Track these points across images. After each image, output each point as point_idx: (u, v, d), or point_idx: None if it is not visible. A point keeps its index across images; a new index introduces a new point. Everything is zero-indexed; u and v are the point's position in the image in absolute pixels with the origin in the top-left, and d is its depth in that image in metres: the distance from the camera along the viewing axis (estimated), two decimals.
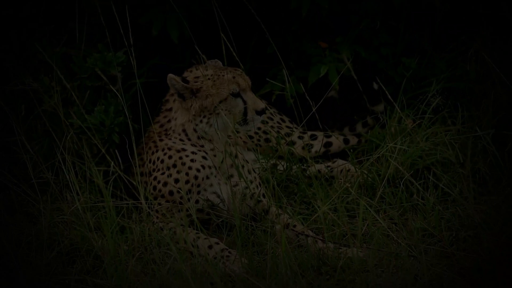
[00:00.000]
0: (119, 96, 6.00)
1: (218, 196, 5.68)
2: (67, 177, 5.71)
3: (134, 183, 5.81)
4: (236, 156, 5.72)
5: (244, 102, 5.73)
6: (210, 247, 5.43)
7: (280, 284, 4.90)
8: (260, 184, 5.79)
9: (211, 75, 5.71)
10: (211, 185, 5.70)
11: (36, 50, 6.22)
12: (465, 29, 6.85)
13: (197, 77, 5.75)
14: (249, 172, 5.78)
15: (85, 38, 6.36)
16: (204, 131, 5.73)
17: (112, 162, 5.73)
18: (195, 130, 5.74)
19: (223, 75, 5.70)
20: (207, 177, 5.70)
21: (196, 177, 5.67)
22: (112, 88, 6.00)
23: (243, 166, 5.72)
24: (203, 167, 5.69)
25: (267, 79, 6.71)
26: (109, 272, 5.13)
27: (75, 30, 6.38)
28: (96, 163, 5.93)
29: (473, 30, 6.74)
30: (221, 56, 6.00)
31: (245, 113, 5.71)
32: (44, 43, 6.19)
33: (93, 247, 5.34)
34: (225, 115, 5.67)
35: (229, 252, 5.36)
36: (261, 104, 5.73)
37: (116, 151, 5.86)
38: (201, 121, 5.72)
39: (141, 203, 5.58)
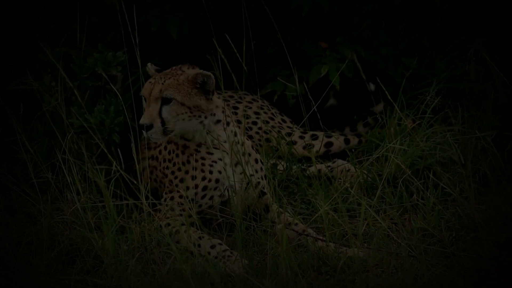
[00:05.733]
0: (119, 95, 6.01)
1: (227, 190, 5.61)
2: (67, 177, 5.71)
3: (135, 182, 5.80)
4: (243, 144, 5.66)
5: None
6: (212, 247, 5.42)
7: (280, 284, 4.90)
8: (265, 177, 5.74)
9: (163, 74, 5.66)
10: (224, 181, 5.63)
11: (37, 50, 6.23)
12: (465, 29, 6.85)
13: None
14: (256, 162, 5.71)
15: (85, 38, 6.36)
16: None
17: (114, 162, 5.72)
18: None
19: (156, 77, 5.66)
20: (220, 172, 5.63)
21: (211, 172, 5.62)
22: (113, 87, 5.99)
23: (249, 158, 5.66)
24: (216, 162, 5.63)
25: (278, 78, 6.70)
26: (109, 272, 5.13)
27: (75, 30, 6.39)
28: (96, 162, 5.93)
29: (473, 30, 6.75)
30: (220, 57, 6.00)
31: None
32: (44, 43, 6.19)
33: (93, 247, 5.34)
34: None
35: (231, 253, 5.36)
36: (142, 119, 5.55)
37: (118, 150, 5.86)
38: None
39: (142, 203, 5.58)
